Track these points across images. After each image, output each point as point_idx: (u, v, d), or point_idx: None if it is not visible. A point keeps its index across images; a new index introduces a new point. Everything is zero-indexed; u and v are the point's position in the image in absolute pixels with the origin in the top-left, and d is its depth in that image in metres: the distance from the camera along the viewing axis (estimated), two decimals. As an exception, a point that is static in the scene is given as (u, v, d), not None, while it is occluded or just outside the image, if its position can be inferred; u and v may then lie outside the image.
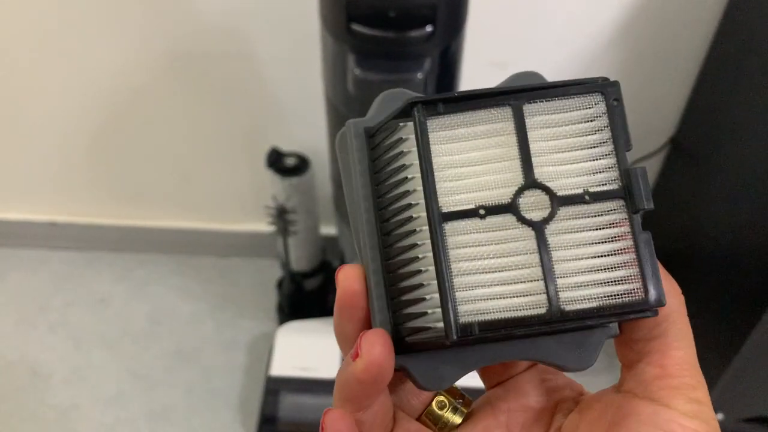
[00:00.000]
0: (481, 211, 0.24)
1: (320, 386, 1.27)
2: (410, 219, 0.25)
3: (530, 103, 0.25)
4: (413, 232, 0.25)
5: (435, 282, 0.24)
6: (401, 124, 0.26)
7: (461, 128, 0.25)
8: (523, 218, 0.24)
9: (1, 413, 1.34)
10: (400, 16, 0.72)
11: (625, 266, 0.25)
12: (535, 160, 0.25)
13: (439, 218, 0.24)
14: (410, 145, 0.25)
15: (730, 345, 1.08)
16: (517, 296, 0.24)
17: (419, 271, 0.25)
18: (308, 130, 1.31)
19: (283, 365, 1.29)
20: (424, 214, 0.24)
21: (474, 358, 0.26)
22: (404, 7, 0.72)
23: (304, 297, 1.42)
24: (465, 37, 0.84)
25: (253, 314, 1.50)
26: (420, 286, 0.25)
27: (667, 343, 0.26)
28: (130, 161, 1.44)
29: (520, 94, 0.25)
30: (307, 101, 1.27)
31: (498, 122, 0.25)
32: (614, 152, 0.25)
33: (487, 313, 0.24)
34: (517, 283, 0.24)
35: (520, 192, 0.24)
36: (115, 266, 1.57)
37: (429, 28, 0.73)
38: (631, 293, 0.24)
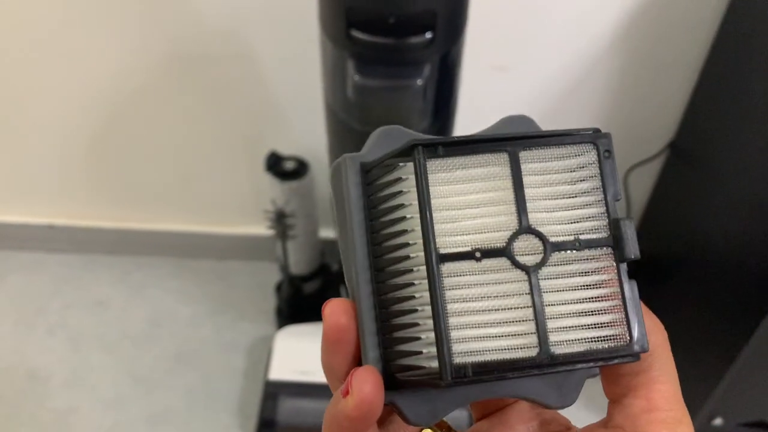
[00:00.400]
0: (477, 254, 0.25)
1: (319, 390, 1.26)
2: (407, 258, 0.25)
3: (526, 149, 0.26)
4: (409, 270, 0.25)
5: (430, 321, 0.24)
6: (401, 164, 0.26)
7: (460, 171, 0.26)
8: (516, 262, 0.25)
9: (0, 416, 1.33)
10: (399, 22, 0.72)
11: (611, 312, 0.26)
12: (529, 206, 0.26)
13: (436, 259, 0.24)
14: (409, 185, 0.26)
15: (729, 349, 1.08)
16: (509, 337, 0.25)
17: (414, 310, 0.25)
18: (307, 134, 1.31)
19: (281, 369, 1.29)
20: (421, 253, 0.25)
21: (462, 394, 0.27)
22: (404, 14, 0.71)
23: (303, 300, 1.42)
24: (465, 42, 0.84)
25: (252, 317, 1.50)
26: (414, 324, 0.25)
27: (653, 377, 0.27)
28: (128, 164, 1.44)
29: (514, 141, 0.26)
30: (306, 105, 1.27)
31: (495, 167, 0.26)
32: (604, 201, 0.26)
33: (480, 353, 0.24)
34: (510, 324, 0.25)
35: (514, 236, 0.25)
36: (113, 269, 1.57)
37: (429, 35, 0.73)
38: (617, 338, 0.25)
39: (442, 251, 0.24)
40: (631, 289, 0.26)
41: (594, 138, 0.26)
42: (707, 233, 1.22)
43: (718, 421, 1.18)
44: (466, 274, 0.25)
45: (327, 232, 1.47)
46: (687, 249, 1.29)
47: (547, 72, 1.24)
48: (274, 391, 1.26)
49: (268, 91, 1.28)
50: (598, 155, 0.26)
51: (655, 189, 1.41)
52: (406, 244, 0.25)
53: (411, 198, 0.25)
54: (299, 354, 1.31)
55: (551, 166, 0.26)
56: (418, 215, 0.25)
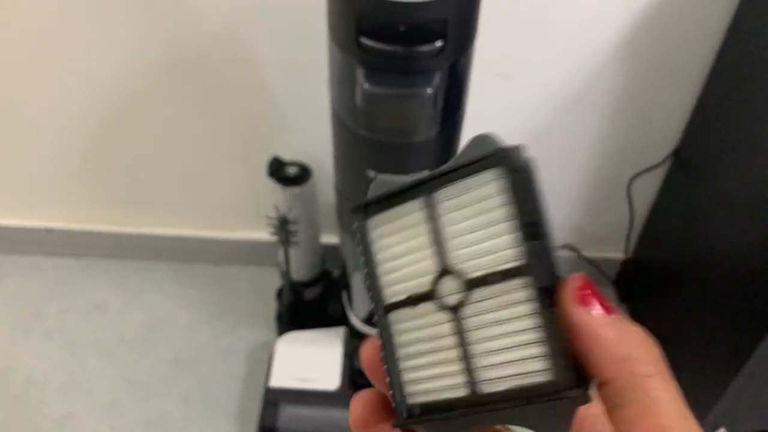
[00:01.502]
0: (411, 301, 0.27)
1: (319, 398, 1.25)
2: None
3: (439, 189, 0.26)
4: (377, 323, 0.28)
5: (386, 366, 0.27)
6: (356, 223, 0.28)
7: (389, 224, 0.27)
8: (441, 304, 0.26)
9: (-5, 422, 1.32)
10: (410, 30, 0.71)
11: (532, 345, 0.24)
12: (448, 245, 0.26)
13: (382, 311, 0.27)
14: (359, 241, 0.28)
15: (734, 359, 1.08)
16: (443, 377, 0.26)
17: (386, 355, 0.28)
18: (310, 139, 1.30)
19: (282, 376, 1.28)
20: (375, 306, 0.28)
21: (462, 422, 0.26)
22: (415, 22, 0.71)
23: (304, 306, 1.41)
24: (474, 50, 0.83)
25: (252, 323, 1.49)
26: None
27: (630, 415, 0.23)
28: (127, 168, 1.43)
29: (431, 182, 0.26)
30: (309, 110, 1.26)
31: (415, 213, 0.27)
32: (519, 227, 0.24)
33: (424, 394, 0.26)
34: (443, 365, 0.26)
35: (437, 279, 0.26)
36: (111, 273, 1.56)
37: (439, 43, 0.72)
38: (541, 373, 0.24)
39: (386, 302, 0.27)
40: (551, 319, 0.24)
41: (499, 160, 0.24)
42: (711, 242, 1.21)
43: (722, 431, 1.17)
44: (406, 321, 0.27)
45: (328, 238, 1.46)
46: (690, 258, 1.29)
47: (550, 79, 1.24)
48: (275, 399, 1.25)
49: (270, 95, 1.27)
50: (510, 177, 0.24)
51: (658, 197, 1.41)
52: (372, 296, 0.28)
53: (362, 255, 0.28)
54: (300, 361, 1.30)
55: (464, 200, 0.26)
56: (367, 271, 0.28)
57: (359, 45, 0.73)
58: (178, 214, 1.51)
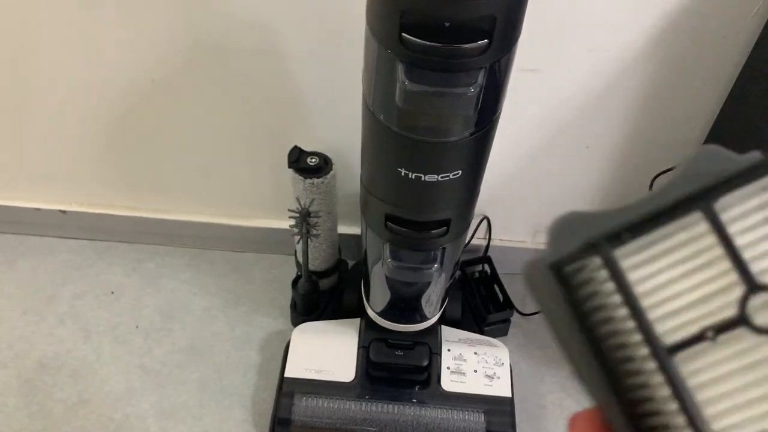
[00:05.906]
0: (709, 333, 0.22)
1: (335, 389, 1.25)
2: (631, 359, 0.23)
3: (719, 198, 0.23)
4: (638, 372, 0.23)
5: (681, 419, 0.22)
6: (586, 261, 0.24)
7: (653, 248, 0.24)
8: (759, 328, 0.22)
9: (8, 407, 1.31)
10: (455, 27, 0.69)
11: None
12: (747, 257, 0.23)
13: (665, 353, 0.23)
14: (603, 279, 0.24)
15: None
16: None
17: (658, 412, 0.23)
18: (332, 130, 1.29)
19: (297, 367, 1.27)
20: (645, 350, 0.23)
21: None
22: (461, 19, 0.69)
23: (319, 296, 1.40)
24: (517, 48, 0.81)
25: (267, 311, 1.48)
26: (666, 427, 0.23)
27: None
28: (145, 152, 1.41)
29: (704, 194, 0.23)
30: (332, 101, 1.25)
31: (690, 229, 0.23)
32: None
33: None
34: None
35: (745, 298, 0.22)
36: (126, 257, 1.55)
37: (485, 41, 0.70)
38: None
39: (669, 341, 0.23)
40: None
41: None
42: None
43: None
44: (704, 357, 0.23)
45: (344, 229, 1.45)
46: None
47: (577, 75, 1.22)
48: (290, 389, 1.24)
49: (293, 85, 1.25)
50: None
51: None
52: (625, 345, 0.23)
53: (610, 295, 0.24)
54: (316, 352, 1.30)
55: (756, 204, 0.23)
56: (624, 311, 0.23)
57: (402, 41, 0.71)
58: (196, 200, 1.50)
